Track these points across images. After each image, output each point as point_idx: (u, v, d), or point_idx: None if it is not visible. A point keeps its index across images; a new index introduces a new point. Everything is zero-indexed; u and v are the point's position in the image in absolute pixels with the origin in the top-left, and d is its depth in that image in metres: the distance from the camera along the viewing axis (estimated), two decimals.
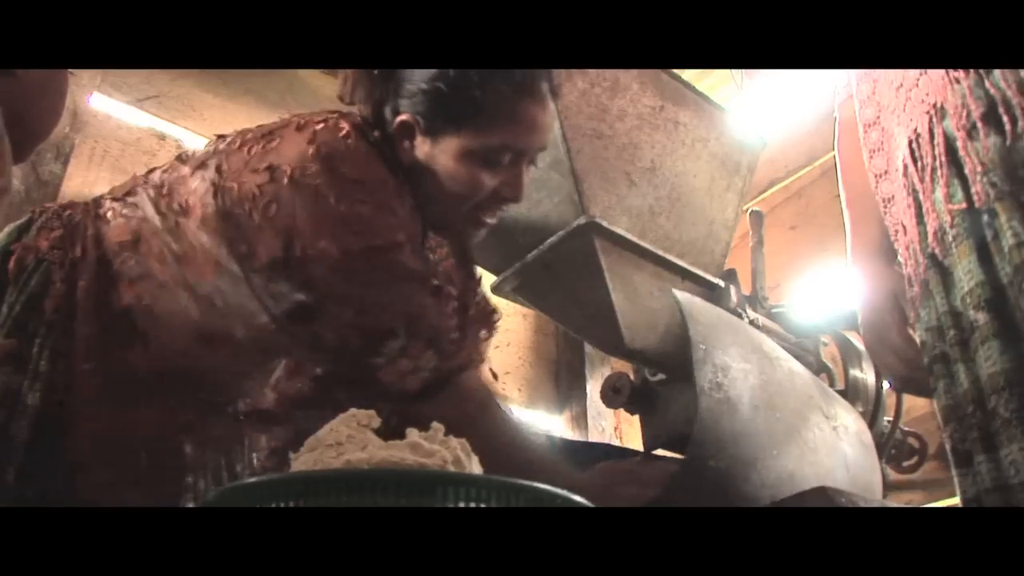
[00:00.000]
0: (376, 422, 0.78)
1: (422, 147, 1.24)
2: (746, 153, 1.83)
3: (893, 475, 2.02)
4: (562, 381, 2.96)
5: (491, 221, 1.31)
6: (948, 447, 0.93)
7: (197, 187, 1.20)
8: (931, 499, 2.20)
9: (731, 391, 1.18)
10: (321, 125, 1.18)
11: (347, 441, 0.75)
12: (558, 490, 0.66)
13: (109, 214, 1.23)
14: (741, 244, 2.05)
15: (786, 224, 2.92)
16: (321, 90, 2.71)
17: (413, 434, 0.72)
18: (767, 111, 2.89)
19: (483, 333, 1.44)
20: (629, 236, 1.57)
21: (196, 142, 2.47)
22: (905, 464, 2.03)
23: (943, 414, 0.95)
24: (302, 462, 0.74)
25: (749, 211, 2.02)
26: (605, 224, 1.54)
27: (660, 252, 1.63)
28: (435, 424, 0.73)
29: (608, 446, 1.68)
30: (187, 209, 1.19)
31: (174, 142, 2.47)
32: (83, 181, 2.28)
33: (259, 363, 1.20)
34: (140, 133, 2.44)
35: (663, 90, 1.67)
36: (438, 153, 1.23)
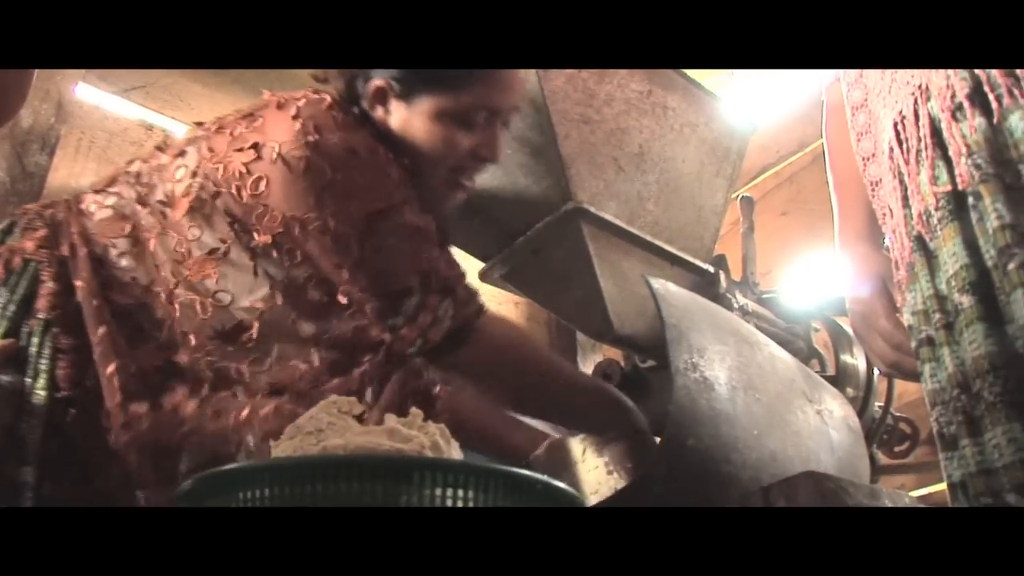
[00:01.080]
0: (357, 408, 0.78)
1: (397, 111, 1.26)
2: (735, 138, 1.82)
3: (884, 460, 2.02)
4: None
5: (469, 184, 1.32)
6: (935, 431, 0.93)
7: (179, 175, 1.20)
8: (922, 484, 2.20)
9: (707, 371, 1.18)
10: (303, 100, 1.19)
11: (327, 428, 0.74)
12: (536, 475, 0.66)
13: (93, 207, 1.23)
14: (732, 230, 2.05)
15: (777, 210, 2.92)
16: (312, 81, 2.69)
17: (391, 419, 0.71)
18: (758, 97, 2.88)
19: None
20: (617, 222, 1.57)
21: (183, 132, 2.46)
22: (897, 449, 2.03)
23: (929, 398, 0.95)
24: (282, 449, 0.74)
25: (740, 197, 2.01)
26: (593, 210, 1.53)
27: (648, 238, 1.62)
28: (414, 410, 0.73)
29: None
30: (172, 200, 1.19)
31: (161, 132, 2.45)
32: (69, 172, 2.26)
33: (271, 345, 1.19)
34: (127, 123, 2.42)
35: (651, 75, 1.66)
36: (413, 116, 1.25)
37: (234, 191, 1.15)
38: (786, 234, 2.80)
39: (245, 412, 1.10)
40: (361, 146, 1.17)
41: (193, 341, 1.15)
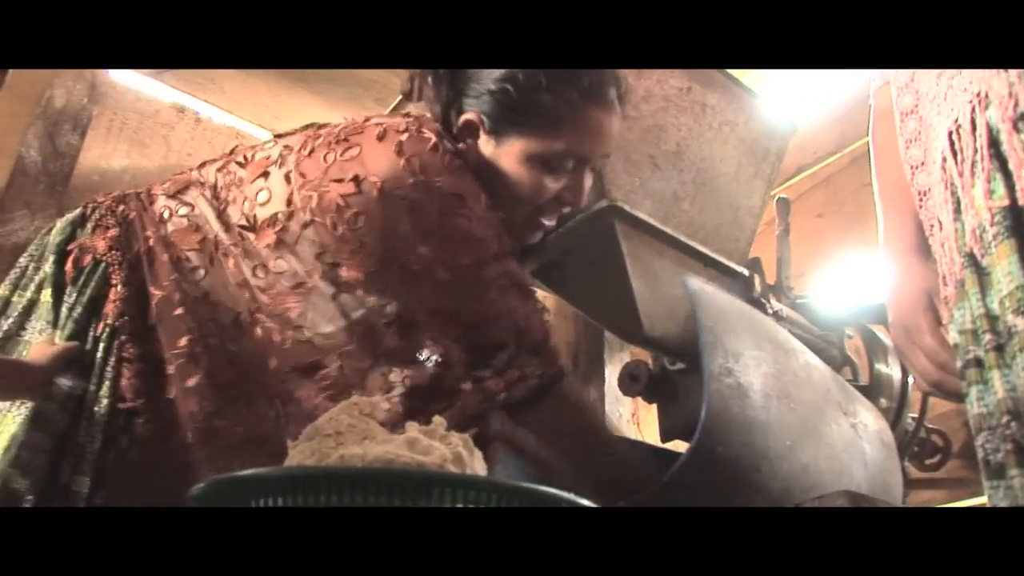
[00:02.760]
0: (379, 411, 0.75)
1: (485, 147, 1.23)
2: (775, 138, 1.78)
3: (915, 473, 1.97)
4: (580, 365, 2.92)
5: (549, 224, 1.29)
6: (979, 457, 0.89)
7: (260, 198, 1.16)
8: (953, 498, 2.15)
9: (742, 378, 1.15)
10: (405, 135, 1.14)
11: (347, 431, 0.71)
12: (561, 492, 0.63)
13: (165, 213, 1.18)
14: (766, 231, 2.00)
15: (813, 212, 2.85)
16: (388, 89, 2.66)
17: (412, 428, 0.68)
18: (796, 95, 2.82)
19: None
20: (651, 221, 1.53)
21: (215, 115, 2.45)
22: (928, 462, 1.98)
23: (975, 422, 0.90)
24: (299, 451, 0.71)
25: (776, 198, 1.96)
26: (627, 208, 1.49)
27: (683, 238, 1.59)
28: (436, 418, 0.70)
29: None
30: (254, 225, 1.14)
31: (192, 115, 2.44)
32: (100, 153, 2.26)
33: (345, 386, 1.13)
34: (159, 105, 2.42)
35: (691, 71, 1.62)
36: (501, 154, 1.22)
37: (328, 223, 1.11)
38: (821, 237, 2.74)
39: None
40: (469, 193, 1.14)
41: (272, 364, 1.11)
